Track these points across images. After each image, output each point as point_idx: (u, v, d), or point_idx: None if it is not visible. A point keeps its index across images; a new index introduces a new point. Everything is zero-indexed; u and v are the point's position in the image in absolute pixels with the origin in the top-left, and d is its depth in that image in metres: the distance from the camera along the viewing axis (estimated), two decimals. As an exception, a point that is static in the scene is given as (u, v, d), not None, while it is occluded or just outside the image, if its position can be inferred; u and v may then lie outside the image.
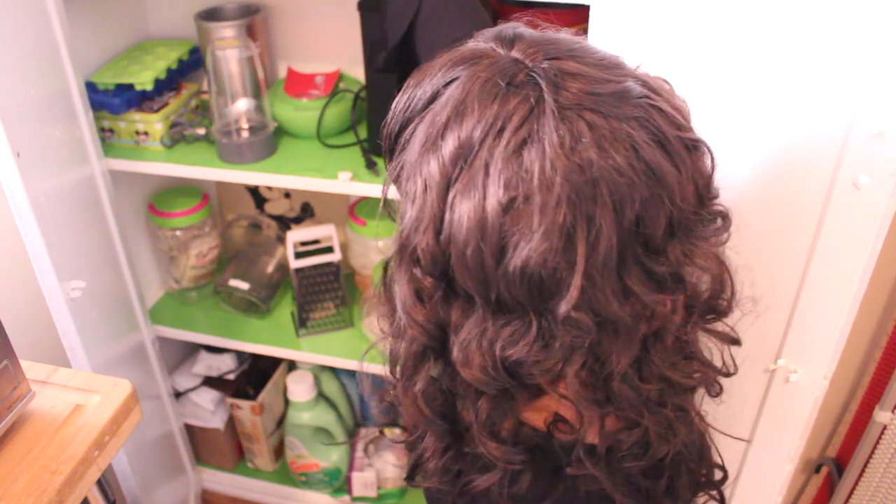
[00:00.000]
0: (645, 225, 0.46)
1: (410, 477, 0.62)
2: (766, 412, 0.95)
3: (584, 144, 0.45)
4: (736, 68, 0.75)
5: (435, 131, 0.48)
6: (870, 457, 1.22)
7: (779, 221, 0.82)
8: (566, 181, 0.44)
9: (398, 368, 0.57)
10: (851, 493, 1.28)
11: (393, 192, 0.57)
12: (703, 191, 0.51)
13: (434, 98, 0.51)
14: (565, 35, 0.53)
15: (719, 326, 0.57)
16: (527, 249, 0.45)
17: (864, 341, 1.19)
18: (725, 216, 0.54)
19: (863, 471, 1.24)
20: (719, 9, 0.73)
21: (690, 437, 0.61)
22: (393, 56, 0.93)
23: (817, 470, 1.35)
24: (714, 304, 0.54)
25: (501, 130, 0.46)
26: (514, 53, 0.49)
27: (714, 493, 0.66)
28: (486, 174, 0.46)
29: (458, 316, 0.51)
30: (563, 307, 0.46)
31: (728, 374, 0.59)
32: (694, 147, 0.50)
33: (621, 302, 0.47)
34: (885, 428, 1.18)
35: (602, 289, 0.47)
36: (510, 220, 0.45)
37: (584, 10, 0.78)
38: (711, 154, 0.52)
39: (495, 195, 0.45)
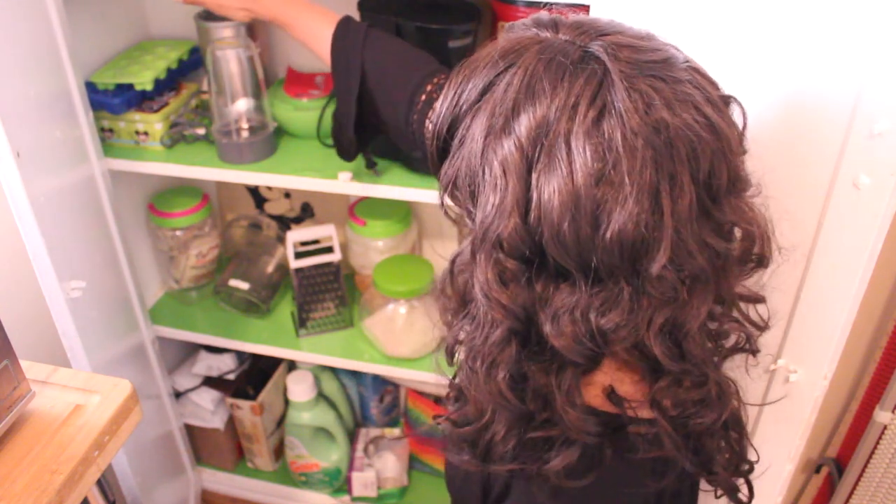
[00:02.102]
0: (714, 177, 0.49)
1: (485, 460, 0.62)
2: (766, 412, 0.95)
3: (657, 107, 0.47)
4: (735, 69, 0.75)
5: (503, 118, 0.49)
6: (870, 457, 1.22)
7: (779, 221, 0.81)
8: (647, 144, 0.47)
9: (477, 358, 0.57)
10: (851, 493, 1.28)
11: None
12: (741, 143, 0.54)
13: (488, 88, 0.51)
14: (594, 16, 0.56)
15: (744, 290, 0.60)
16: (623, 215, 0.47)
17: (864, 341, 1.19)
18: (748, 179, 0.57)
19: (863, 471, 1.24)
20: (719, 9, 0.73)
21: (736, 409, 0.63)
22: (356, 133, 0.94)
23: (817, 470, 1.35)
24: (757, 253, 0.56)
25: (576, 106, 0.47)
26: (563, 36, 0.51)
27: (742, 480, 0.67)
28: (569, 149, 0.47)
29: (546, 292, 0.52)
30: (656, 266, 0.48)
31: (763, 328, 0.61)
32: (728, 103, 0.54)
33: (701, 254, 0.50)
34: (885, 428, 1.18)
35: (687, 243, 0.49)
36: (602, 191, 0.47)
37: (584, 10, 0.78)
38: (742, 108, 0.56)
39: (584, 167, 0.47)
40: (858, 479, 1.26)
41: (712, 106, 0.50)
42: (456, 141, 0.54)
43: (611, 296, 0.50)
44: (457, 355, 0.63)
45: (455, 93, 0.54)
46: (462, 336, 0.60)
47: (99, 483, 0.86)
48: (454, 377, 0.65)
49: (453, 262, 0.59)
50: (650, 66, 0.49)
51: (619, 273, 0.50)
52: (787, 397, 0.93)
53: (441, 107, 0.56)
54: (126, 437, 0.83)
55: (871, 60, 0.70)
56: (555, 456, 0.58)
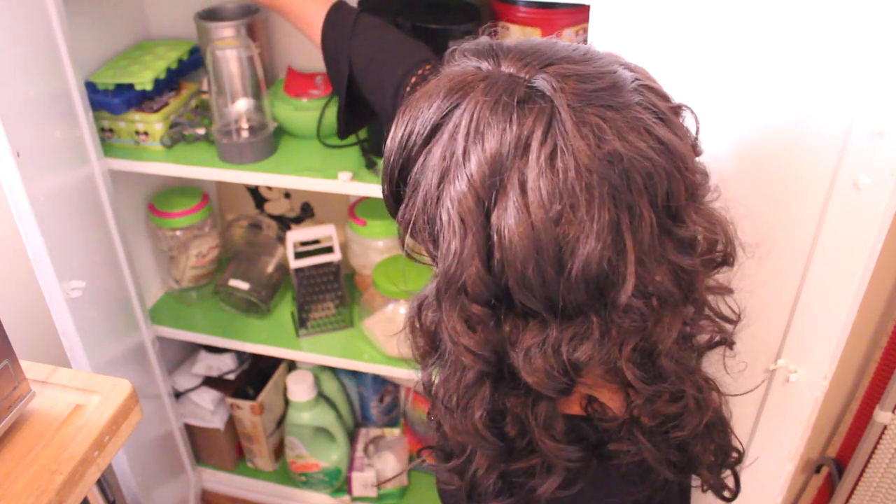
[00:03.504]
0: (673, 198, 0.49)
1: (470, 498, 0.62)
2: (766, 412, 0.95)
3: (608, 140, 0.46)
4: (736, 69, 0.75)
5: (454, 162, 0.48)
6: (870, 457, 1.22)
7: (779, 221, 0.82)
8: (603, 179, 0.46)
9: (452, 398, 0.57)
10: (851, 493, 1.28)
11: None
12: (693, 147, 0.54)
13: (435, 130, 0.50)
14: (535, 38, 0.54)
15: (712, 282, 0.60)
16: (585, 252, 0.46)
17: (864, 341, 1.19)
18: (704, 173, 0.56)
19: (863, 471, 1.24)
20: (719, 9, 0.73)
21: (717, 409, 0.63)
22: (346, 117, 0.96)
23: (817, 470, 1.35)
24: (725, 255, 0.56)
25: (527, 147, 0.46)
26: (506, 69, 0.50)
27: (728, 472, 0.67)
28: (524, 192, 0.46)
29: (515, 332, 0.52)
30: (623, 297, 0.48)
31: (735, 322, 0.61)
32: (680, 112, 0.54)
33: (666, 276, 0.50)
34: (885, 428, 1.18)
35: (651, 269, 0.49)
36: (562, 231, 0.46)
37: (584, 9, 0.78)
38: (694, 114, 0.56)
39: (542, 210, 0.46)
40: (858, 479, 1.26)
41: (664, 124, 0.49)
42: (410, 184, 0.53)
43: (580, 330, 0.50)
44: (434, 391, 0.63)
45: (403, 134, 0.53)
46: (435, 375, 0.60)
47: (99, 483, 0.86)
48: (431, 409, 0.64)
49: (419, 305, 0.59)
50: (598, 96, 0.48)
51: (586, 308, 0.49)
52: (787, 397, 0.93)
53: (390, 147, 0.54)
54: (126, 437, 0.83)
55: (872, 61, 0.70)
56: (539, 483, 0.57)
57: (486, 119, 0.47)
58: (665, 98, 0.52)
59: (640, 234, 0.47)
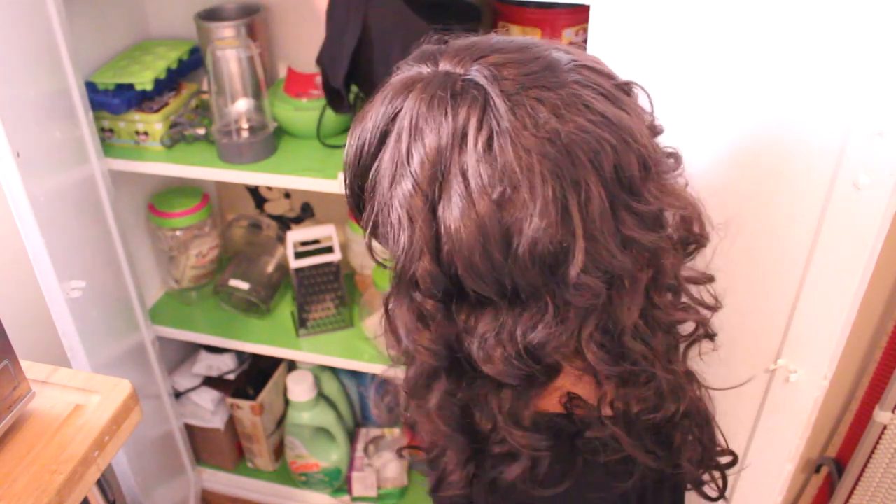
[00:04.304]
0: (623, 170, 0.49)
1: (436, 490, 0.63)
2: (766, 412, 0.95)
3: (544, 118, 0.47)
4: (736, 69, 0.75)
5: (400, 163, 0.50)
6: (870, 457, 1.22)
7: (779, 221, 0.82)
8: (543, 157, 0.46)
9: (416, 394, 0.58)
10: (851, 493, 1.28)
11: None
12: (651, 127, 0.55)
13: (384, 137, 0.52)
14: (477, 37, 0.55)
15: (694, 273, 0.60)
16: (530, 232, 0.47)
17: (864, 341, 1.19)
18: (675, 155, 0.57)
19: (863, 471, 1.24)
20: (719, 9, 0.73)
21: (696, 400, 0.63)
22: (345, 86, 0.93)
23: (817, 470, 1.35)
24: (693, 233, 0.57)
25: (464, 136, 0.47)
26: (443, 67, 0.51)
27: (718, 474, 0.67)
28: (466, 181, 0.47)
29: (469, 322, 0.52)
30: (573, 272, 0.48)
31: (715, 308, 0.61)
32: (629, 90, 0.54)
33: (623, 252, 0.50)
34: (885, 428, 1.18)
35: (605, 244, 0.49)
36: (507, 213, 0.47)
37: (584, 9, 0.78)
38: (646, 91, 0.56)
39: (484, 196, 0.47)
40: (858, 479, 1.26)
41: (606, 99, 0.49)
42: (367, 192, 0.54)
43: (535, 313, 0.50)
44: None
45: (356, 146, 0.54)
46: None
47: (99, 483, 0.86)
48: (406, 409, 0.65)
49: (386, 302, 0.60)
50: (533, 78, 0.48)
51: (539, 289, 0.50)
52: (787, 397, 0.93)
53: (346, 159, 0.56)
54: (126, 437, 0.83)
55: (872, 61, 0.70)
56: (506, 469, 0.57)
57: (424, 116, 0.49)
58: (609, 76, 0.52)
59: (589, 209, 0.47)
